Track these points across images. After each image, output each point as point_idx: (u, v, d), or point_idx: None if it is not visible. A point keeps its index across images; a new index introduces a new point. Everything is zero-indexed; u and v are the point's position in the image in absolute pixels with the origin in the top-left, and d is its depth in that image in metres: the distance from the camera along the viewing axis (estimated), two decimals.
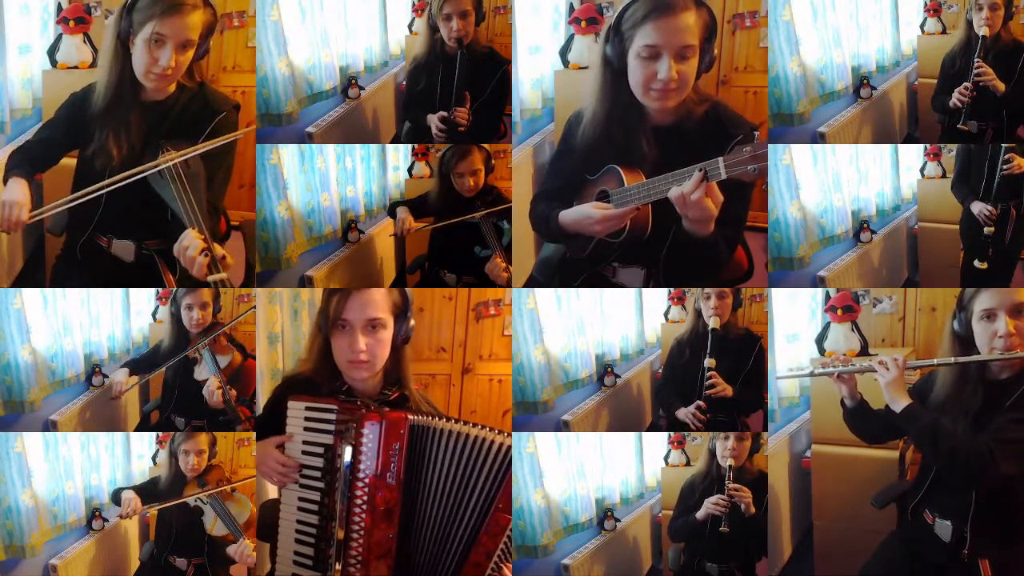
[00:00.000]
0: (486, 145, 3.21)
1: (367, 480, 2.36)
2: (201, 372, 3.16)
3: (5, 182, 2.81)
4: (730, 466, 3.09)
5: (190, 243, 2.64)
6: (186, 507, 3.15)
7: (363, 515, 2.36)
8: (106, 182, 2.71)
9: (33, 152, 2.86)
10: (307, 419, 2.42)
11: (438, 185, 3.25)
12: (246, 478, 3.15)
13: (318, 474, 2.39)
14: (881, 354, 2.72)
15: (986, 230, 3.14)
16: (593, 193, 2.69)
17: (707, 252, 2.57)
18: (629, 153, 2.63)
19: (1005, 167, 3.09)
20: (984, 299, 2.61)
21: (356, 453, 2.37)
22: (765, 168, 2.38)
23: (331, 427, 2.39)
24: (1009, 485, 2.56)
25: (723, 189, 2.46)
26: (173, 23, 2.66)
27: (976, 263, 3.16)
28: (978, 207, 3.15)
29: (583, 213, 2.65)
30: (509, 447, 2.40)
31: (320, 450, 2.39)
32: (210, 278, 2.64)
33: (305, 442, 2.41)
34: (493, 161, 3.21)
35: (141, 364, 3.25)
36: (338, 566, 2.37)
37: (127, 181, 2.71)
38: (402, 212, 3.26)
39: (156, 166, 2.72)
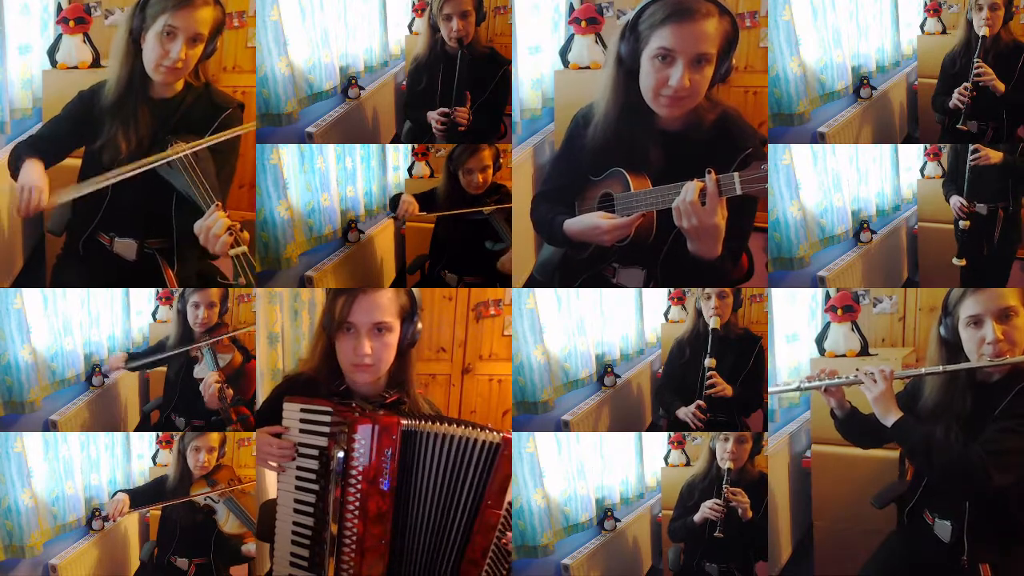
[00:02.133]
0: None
1: (359, 486, 2.36)
2: (201, 370, 3.17)
3: (17, 166, 2.84)
4: (728, 469, 3.09)
5: (215, 221, 2.66)
6: (193, 506, 3.15)
7: (355, 521, 2.35)
8: (118, 171, 2.76)
9: (39, 145, 2.90)
10: (302, 420, 2.41)
11: (445, 183, 3.25)
12: (248, 481, 3.15)
13: (313, 476, 2.39)
14: (868, 365, 2.66)
15: (961, 224, 3.14)
16: (596, 195, 2.67)
17: (713, 271, 2.55)
18: (636, 156, 2.61)
19: (972, 158, 3.09)
20: (970, 305, 2.56)
21: (348, 458, 2.36)
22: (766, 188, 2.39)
23: (326, 429, 2.38)
24: (1003, 495, 2.54)
25: (729, 202, 2.45)
26: (185, 16, 2.75)
27: (955, 260, 3.16)
28: (953, 200, 3.15)
29: (590, 223, 2.62)
30: (494, 444, 2.41)
31: (315, 452, 2.39)
32: (231, 252, 2.66)
33: (300, 444, 2.41)
34: (501, 160, 3.21)
35: (143, 358, 3.26)
36: (331, 569, 2.35)
37: (140, 170, 2.75)
38: (407, 196, 3.26)
39: (168, 157, 2.76)
